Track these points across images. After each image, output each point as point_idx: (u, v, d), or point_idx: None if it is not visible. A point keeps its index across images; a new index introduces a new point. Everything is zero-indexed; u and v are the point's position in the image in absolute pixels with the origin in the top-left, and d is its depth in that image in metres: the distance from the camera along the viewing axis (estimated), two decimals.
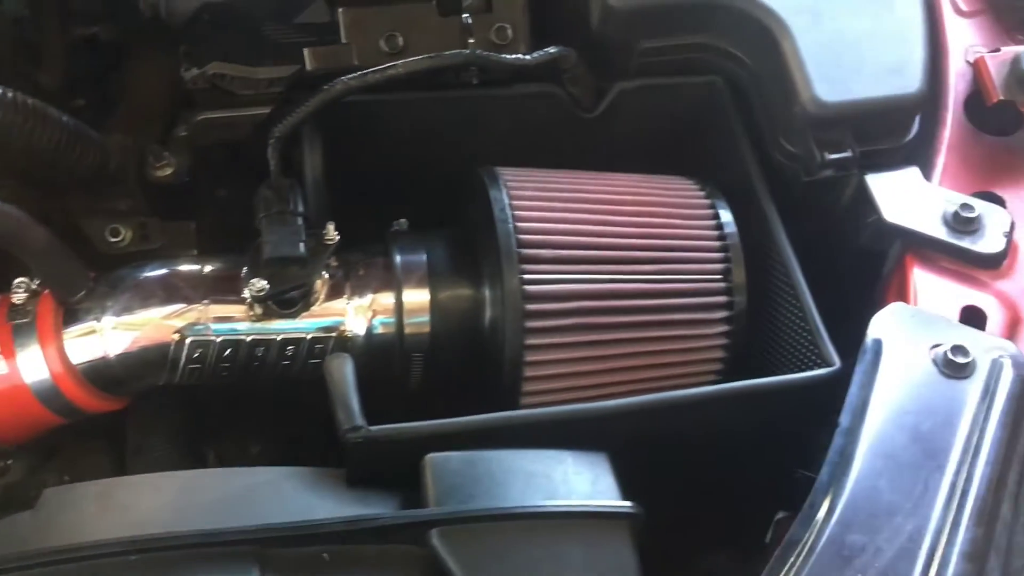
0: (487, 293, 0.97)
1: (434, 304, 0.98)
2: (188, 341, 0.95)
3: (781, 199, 1.05)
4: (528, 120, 1.13)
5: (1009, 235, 0.96)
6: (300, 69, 1.05)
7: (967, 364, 0.85)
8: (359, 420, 0.85)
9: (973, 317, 0.91)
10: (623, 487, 0.85)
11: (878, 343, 0.88)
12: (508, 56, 1.05)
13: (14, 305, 0.95)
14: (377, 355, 0.98)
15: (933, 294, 0.93)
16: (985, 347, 0.86)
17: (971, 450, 0.80)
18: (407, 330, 0.98)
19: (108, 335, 0.95)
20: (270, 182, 0.99)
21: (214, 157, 1.17)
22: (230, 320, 0.96)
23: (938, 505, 0.77)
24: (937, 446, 0.80)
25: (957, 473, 0.79)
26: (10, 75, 1.05)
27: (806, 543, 0.76)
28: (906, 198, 0.99)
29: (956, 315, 0.91)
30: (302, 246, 0.96)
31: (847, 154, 1.00)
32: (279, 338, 0.97)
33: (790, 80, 1.01)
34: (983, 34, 1.12)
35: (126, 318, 0.95)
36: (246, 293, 0.95)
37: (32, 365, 0.94)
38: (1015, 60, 1.03)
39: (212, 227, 1.16)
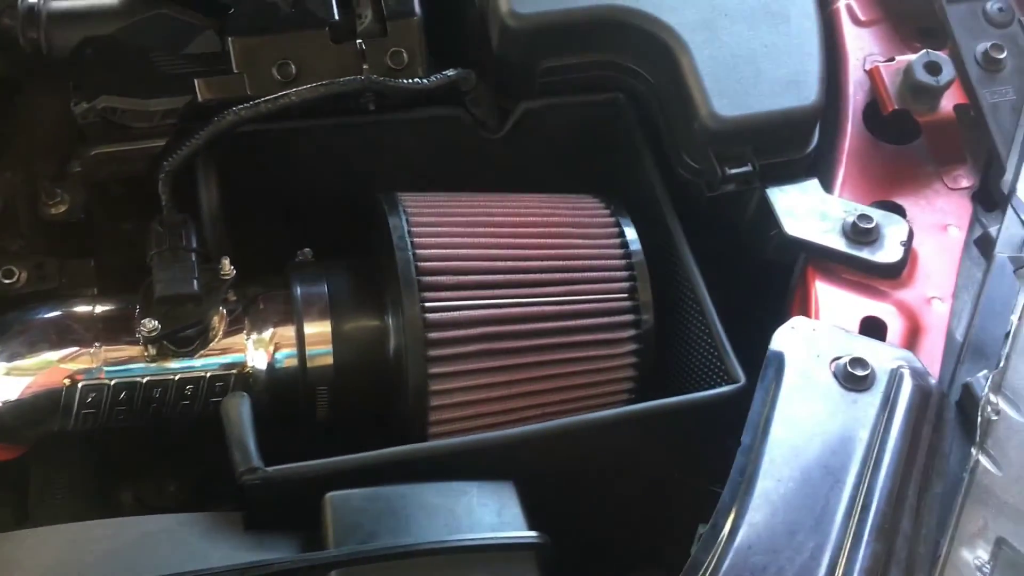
0: (390, 322, 0.96)
1: (336, 335, 0.96)
2: (80, 386, 0.92)
3: (686, 214, 1.05)
4: (432, 143, 1.11)
5: (907, 244, 0.96)
6: (192, 100, 1.02)
7: (866, 376, 0.85)
8: (256, 461, 0.83)
9: (873, 328, 0.92)
10: (531, 516, 0.84)
11: (779, 357, 0.88)
12: (406, 80, 1.03)
13: None
14: (281, 390, 0.96)
15: (834, 306, 0.94)
16: (884, 358, 0.87)
17: (871, 464, 0.80)
18: (310, 363, 0.96)
19: None
20: (162, 218, 0.97)
21: (113, 191, 1.14)
22: (124, 362, 0.93)
23: (838, 521, 0.77)
24: (838, 461, 0.80)
25: (857, 487, 0.79)
26: None
27: (709, 565, 0.76)
28: (806, 210, 0.99)
29: (856, 326, 0.92)
30: (195, 283, 0.93)
31: (747, 168, 1.00)
32: (176, 378, 0.94)
33: (689, 96, 1.01)
34: (880, 43, 1.13)
35: (16, 363, 0.92)
36: (139, 334, 0.92)
37: None
38: (907, 69, 1.04)
39: (116, 263, 1.13)
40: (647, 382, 1.01)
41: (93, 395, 0.92)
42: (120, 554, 0.78)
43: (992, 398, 0.84)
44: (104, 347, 0.93)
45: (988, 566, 0.77)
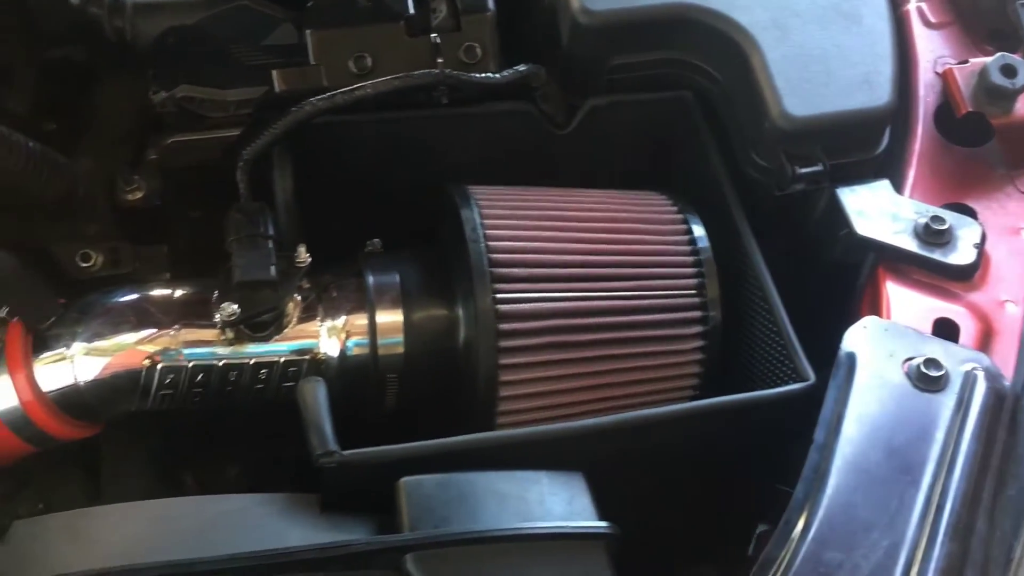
0: (460, 313, 0.97)
1: (408, 325, 0.98)
2: (159, 367, 0.94)
3: (753, 213, 1.06)
4: (500, 138, 1.12)
5: (980, 247, 0.96)
6: (269, 91, 1.04)
7: (940, 377, 0.85)
8: (332, 445, 0.84)
9: (946, 329, 0.92)
10: (599, 506, 0.85)
11: (851, 357, 0.88)
12: (478, 75, 1.04)
13: None
14: (351, 377, 0.98)
15: (906, 307, 0.93)
16: (958, 359, 0.86)
17: (945, 464, 0.80)
18: (381, 351, 0.97)
19: (78, 361, 0.94)
20: (240, 205, 0.99)
21: (186, 179, 1.16)
22: (202, 345, 0.95)
23: (913, 520, 0.77)
24: (912, 460, 0.80)
25: (932, 487, 0.79)
26: None
27: (782, 561, 0.76)
28: (877, 211, 0.99)
29: (929, 327, 0.91)
30: (273, 269, 0.95)
31: (818, 168, 1.00)
32: (252, 362, 0.96)
33: (760, 95, 1.01)
34: (952, 46, 1.13)
35: (96, 344, 0.94)
36: (217, 317, 0.94)
37: (1, 393, 0.93)
38: (983, 72, 1.03)
39: (186, 249, 1.15)
40: (712, 379, 1.02)
41: (172, 376, 0.94)
42: (201, 531, 0.80)
43: None
44: (183, 330, 0.95)
45: None
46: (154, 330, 0.95)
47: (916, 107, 1.08)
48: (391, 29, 1.04)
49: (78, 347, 0.94)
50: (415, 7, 1.05)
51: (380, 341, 0.97)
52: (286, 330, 0.97)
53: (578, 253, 0.98)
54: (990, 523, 0.78)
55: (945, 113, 1.07)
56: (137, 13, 1.01)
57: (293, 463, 1.09)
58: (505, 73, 1.05)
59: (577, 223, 1.00)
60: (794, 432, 0.93)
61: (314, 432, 0.85)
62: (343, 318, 0.98)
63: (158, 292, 0.98)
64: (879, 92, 1.02)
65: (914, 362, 0.86)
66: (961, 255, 0.95)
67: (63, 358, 0.94)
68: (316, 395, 0.88)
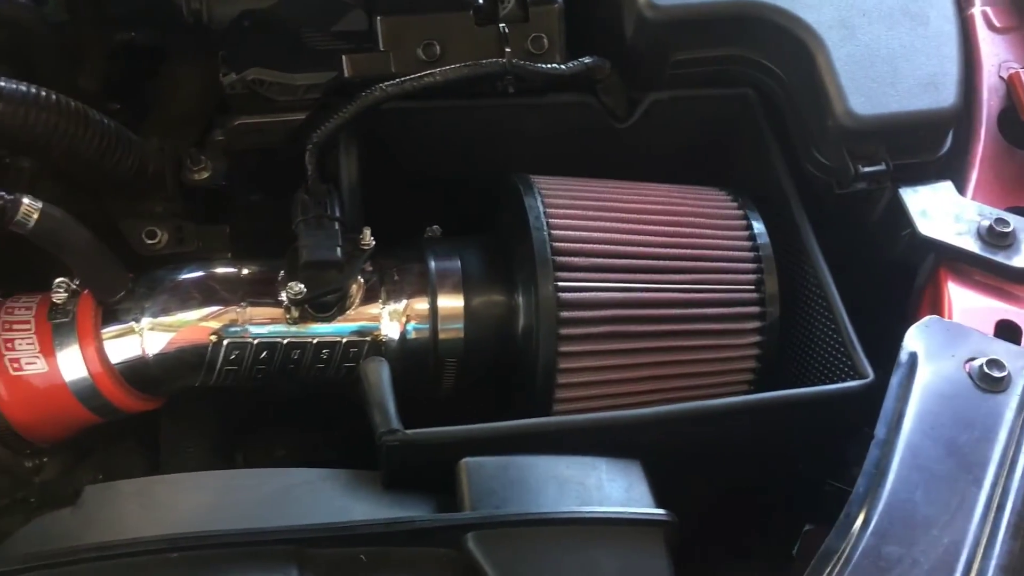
0: (521, 300, 0.98)
1: (468, 310, 0.99)
2: (225, 343, 0.96)
3: (811, 211, 1.06)
4: (561, 129, 1.13)
5: None
6: (337, 76, 1.06)
7: (1003, 378, 0.85)
8: (395, 423, 0.85)
9: (1008, 331, 0.92)
10: (656, 494, 0.86)
11: (913, 355, 0.88)
12: (544, 66, 1.05)
13: (55, 304, 0.96)
14: (410, 360, 0.99)
15: (967, 308, 0.94)
16: (1021, 361, 0.86)
17: (1007, 464, 0.80)
18: (441, 336, 0.99)
19: (146, 335, 0.96)
20: (307, 187, 1.00)
21: (248, 162, 1.18)
22: (267, 323, 0.97)
23: (975, 518, 0.77)
24: (973, 459, 0.80)
25: (993, 487, 0.79)
26: (52, 79, 1.06)
27: (842, 554, 0.77)
28: (940, 212, 0.99)
29: (991, 329, 0.91)
30: (339, 251, 0.97)
31: (881, 167, 1.00)
32: (315, 341, 0.97)
33: (825, 93, 1.02)
34: (1016, 50, 1.13)
35: (164, 319, 0.96)
36: (283, 296, 0.96)
37: (71, 364, 0.95)
38: None
39: (244, 231, 1.17)
40: (768, 374, 1.02)
41: (237, 352, 0.96)
42: (268, 502, 0.81)
43: None
44: (249, 308, 0.97)
45: None
46: (221, 307, 0.97)
47: (980, 110, 1.08)
48: (460, 18, 1.05)
49: (146, 321, 0.96)
50: None
51: (441, 325, 0.99)
52: (348, 311, 0.98)
53: (639, 245, 0.99)
54: None
55: (1009, 117, 1.07)
56: None
57: (336, 448, 1.13)
58: (571, 64, 1.06)
59: (638, 215, 1.01)
60: (847, 430, 0.94)
61: (377, 410, 0.87)
62: (404, 302, 0.99)
63: (225, 270, 1.00)
64: (944, 94, 1.02)
65: (976, 363, 0.86)
66: None
67: (131, 332, 0.96)
68: (380, 374, 0.90)
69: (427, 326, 0.99)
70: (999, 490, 0.79)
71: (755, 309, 1.00)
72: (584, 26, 1.13)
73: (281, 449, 1.16)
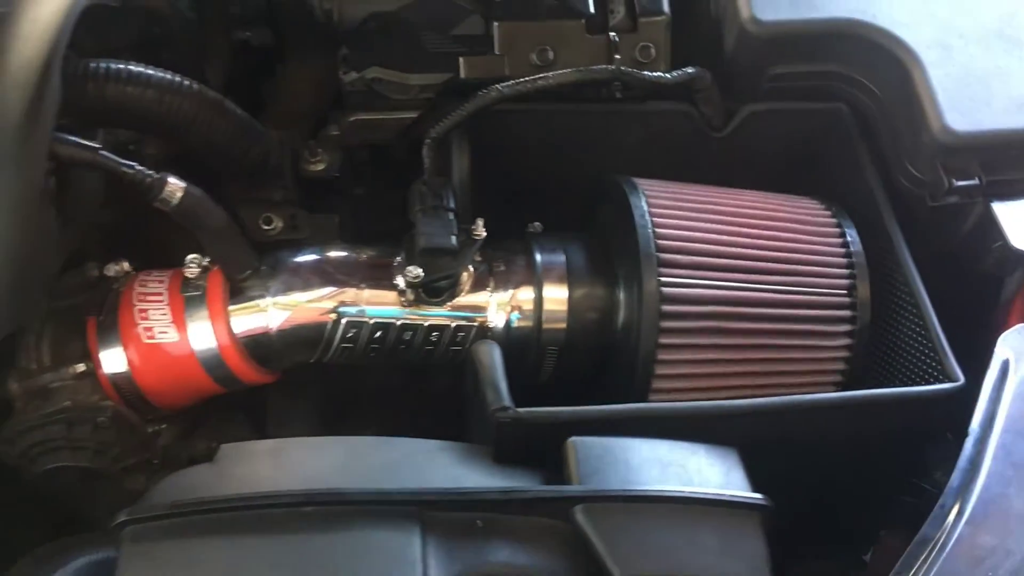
0: (622, 294, 1.03)
1: (571, 302, 1.04)
2: (343, 321, 1.02)
3: (902, 222, 1.10)
4: (659, 135, 1.19)
5: None
6: (452, 77, 1.12)
7: None
8: (507, 401, 0.90)
9: None
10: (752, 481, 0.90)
11: (1006, 362, 0.91)
12: (650, 74, 1.11)
13: (187, 279, 1.03)
14: (513, 347, 1.04)
15: None
16: None
17: None
18: (545, 325, 1.04)
19: (270, 312, 1.02)
20: (425, 179, 1.06)
21: (358, 157, 1.25)
22: (383, 304, 1.03)
23: None
24: None
25: None
26: (181, 72, 1.14)
27: (937, 541, 0.80)
28: None
29: None
30: (454, 239, 1.02)
31: (974, 181, 1.04)
32: (426, 323, 1.03)
33: (920, 109, 1.06)
34: None
35: (287, 297, 1.03)
36: (399, 280, 1.02)
37: (200, 335, 1.01)
38: None
39: (347, 223, 1.24)
40: (855, 378, 1.06)
41: (354, 331, 1.02)
42: (391, 467, 0.87)
43: None
44: (367, 290, 1.03)
45: None
46: (340, 288, 1.03)
47: None
48: (572, 26, 1.11)
49: (270, 299, 1.02)
50: (595, 7, 1.12)
51: (545, 316, 1.04)
52: (458, 298, 1.04)
53: (737, 246, 1.03)
54: None
55: None
56: None
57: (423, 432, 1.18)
58: (675, 73, 1.11)
59: (736, 218, 1.06)
60: (931, 435, 0.97)
61: (490, 388, 0.92)
62: (511, 291, 1.05)
63: (343, 254, 1.06)
64: None
65: None
66: None
67: (256, 308, 1.02)
68: (492, 355, 0.95)
69: (531, 315, 1.04)
70: None
71: (846, 313, 1.04)
72: (684, 37, 1.19)
73: (371, 430, 1.22)
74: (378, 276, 1.04)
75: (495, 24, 1.11)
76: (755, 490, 0.89)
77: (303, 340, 1.03)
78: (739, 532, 0.85)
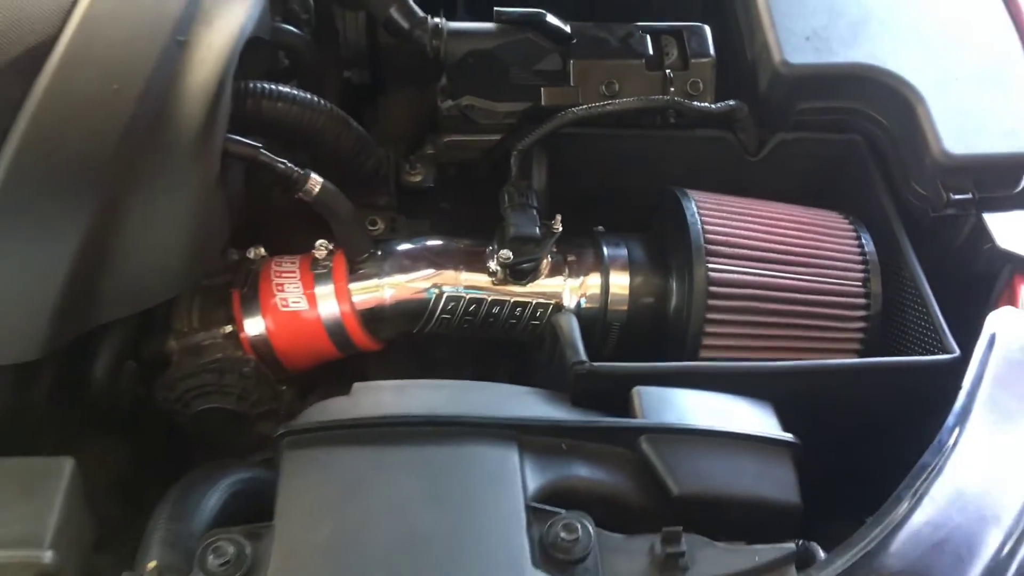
0: (674, 283, 1.24)
1: (632, 288, 1.25)
2: (444, 296, 1.23)
3: (909, 231, 1.31)
4: (702, 158, 1.41)
5: None
6: (533, 105, 1.36)
7: None
8: (583, 356, 1.11)
9: None
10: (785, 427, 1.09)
11: (991, 336, 1.11)
12: (699, 104, 1.34)
13: (315, 259, 1.25)
14: (582, 325, 1.24)
15: None
16: None
17: None
18: (610, 307, 1.25)
19: (384, 288, 1.24)
20: (513, 183, 1.29)
21: (446, 174, 1.48)
22: (476, 283, 1.24)
23: None
24: None
25: None
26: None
27: (935, 466, 0.99)
28: (1017, 231, 1.23)
29: None
30: (537, 229, 1.24)
31: (969, 196, 1.25)
32: (512, 300, 1.24)
33: (923, 137, 1.28)
34: None
35: (397, 277, 1.24)
36: (491, 263, 1.23)
37: (326, 304, 1.23)
38: None
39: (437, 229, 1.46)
40: (868, 356, 1.26)
41: (452, 304, 1.24)
42: (493, 402, 1.06)
43: None
44: (463, 272, 1.24)
45: None
46: (443, 270, 1.24)
47: None
48: (634, 64, 1.35)
49: (384, 278, 1.24)
50: (653, 49, 1.36)
51: (610, 299, 1.25)
52: (538, 281, 1.25)
53: (771, 242, 1.25)
54: None
55: None
56: (452, 37, 1.33)
57: None
58: (719, 105, 1.34)
59: (770, 221, 1.27)
60: (933, 409, 1.16)
61: (569, 348, 1.13)
62: (581, 278, 1.26)
63: (445, 243, 1.28)
64: (1021, 141, 1.27)
65: None
66: None
67: (372, 285, 1.24)
68: (570, 322, 1.16)
69: (598, 299, 1.25)
70: None
71: (861, 301, 1.24)
72: (726, 76, 1.42)
73: None
74: (473, 261, 1.25)
75: (571, 61, 1.35)
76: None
77: (409, 312, 1.24)
78: (774, 463, 1.04)
